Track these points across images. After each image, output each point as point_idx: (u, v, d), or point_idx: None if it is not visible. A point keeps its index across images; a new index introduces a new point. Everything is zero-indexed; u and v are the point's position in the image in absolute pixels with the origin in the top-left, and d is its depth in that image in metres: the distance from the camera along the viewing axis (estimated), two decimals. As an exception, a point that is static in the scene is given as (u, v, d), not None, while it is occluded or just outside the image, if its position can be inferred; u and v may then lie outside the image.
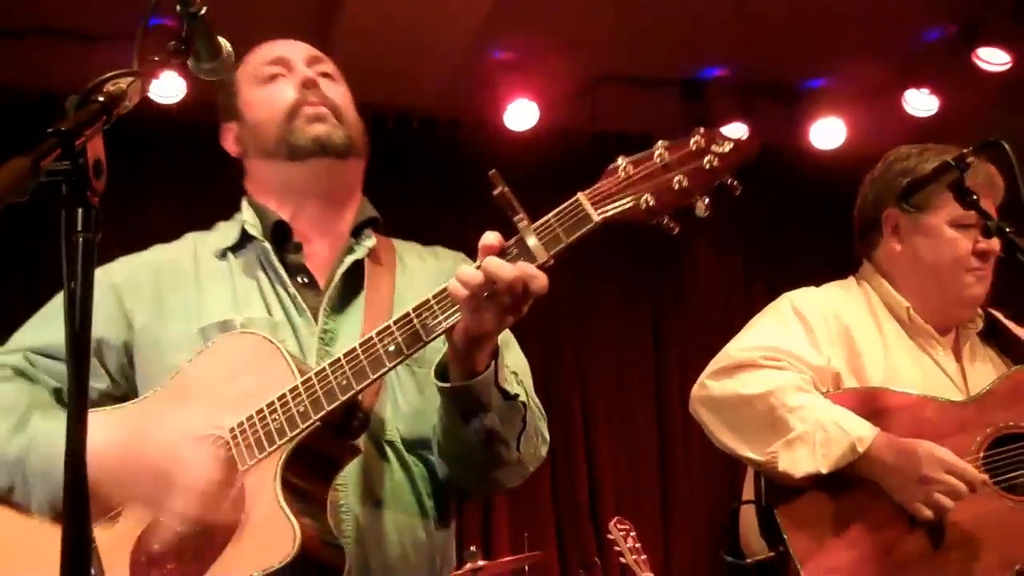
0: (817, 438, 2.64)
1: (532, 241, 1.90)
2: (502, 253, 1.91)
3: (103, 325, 2.28)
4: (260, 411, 2.01)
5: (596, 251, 6.82)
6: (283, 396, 2.00)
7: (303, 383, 1.99)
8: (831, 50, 6.17)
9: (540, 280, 1.90)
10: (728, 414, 2.78)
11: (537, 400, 2.32)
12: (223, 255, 2.37)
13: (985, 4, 5.92)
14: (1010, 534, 2.67)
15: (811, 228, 7.02)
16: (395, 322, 1.97)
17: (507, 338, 2.34)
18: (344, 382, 1.97)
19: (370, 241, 2.38)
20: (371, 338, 1.97)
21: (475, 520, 6.38)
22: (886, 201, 2.94)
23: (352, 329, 2.23)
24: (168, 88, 5.59)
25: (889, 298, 2.96)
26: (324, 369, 1.99)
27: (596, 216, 1.88)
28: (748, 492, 2.86)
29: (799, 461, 2.64)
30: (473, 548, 5.23)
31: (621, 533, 5.23)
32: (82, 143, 1.42)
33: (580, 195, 1.90)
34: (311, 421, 1.97)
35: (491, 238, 1.93)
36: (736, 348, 2.86)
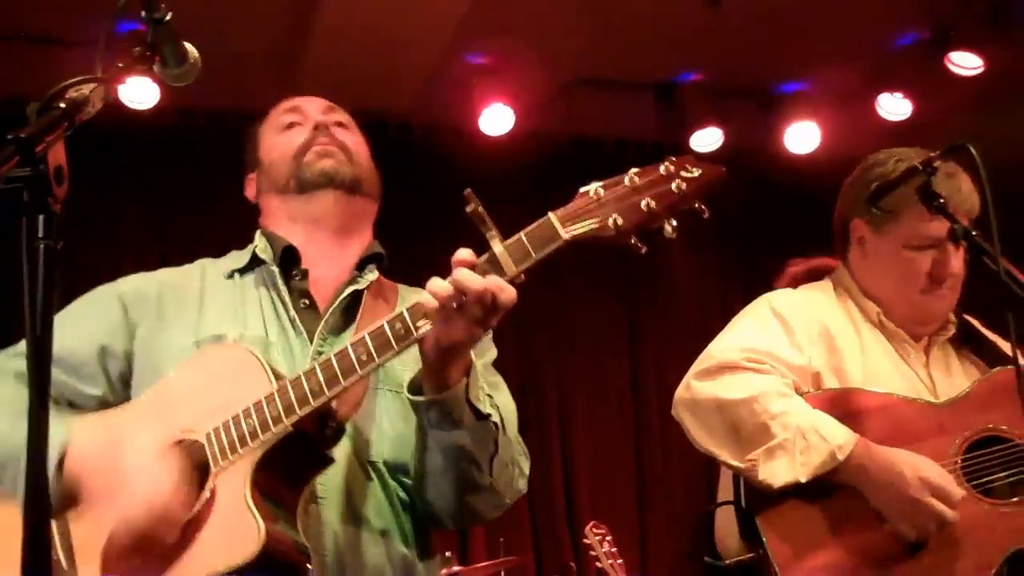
0: (797, 446, 2.64)
1: (503, 256, 1.95)
2: (474, 267, 1.95)
3: (108, 334, 2.37)
4: (236, 416, 2.05)
5: (572, 254, 6.83)
6: (258, 402, 2.04)
7: (278, 389, 2.03)
8: (805, 54, 6.21)
9: (508, 292, 1.95)
10: (709, 419, 2.79)
11: (520, 439, 2.37)
12: (231, 275, 2.47)
13: (958, 9, 5.96)
14: (987, 537, 2.68)
15: (786, 231, 7.03)
16: (369, 333, 2.01)
17: (497, 381, 2.44)
18: (316, 388, 2.00)
19: (372, 275, 2.45)
20: (345, 348, 2.02)
21: (451, 525, 6.37)
22: (855, 210, 2.96)
23: None
24: (141, 94, 5.56)
25: (861, 303, 2.99)
26: (299, 376, 2.03)
27: (565, 235, 1.94)
28: (724, 493, 2.87)
29: (778, 471, 2.65)
30: (449, 553, 5.22)
31: (597, 537, 5.24)
32: (43, 149, 1.42)
33: (551, 214, 1.96)
34: (283, 424, 2.01)
35: (463, 253, 1.97)
36: (718, 349, 2.86)
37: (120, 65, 1.69)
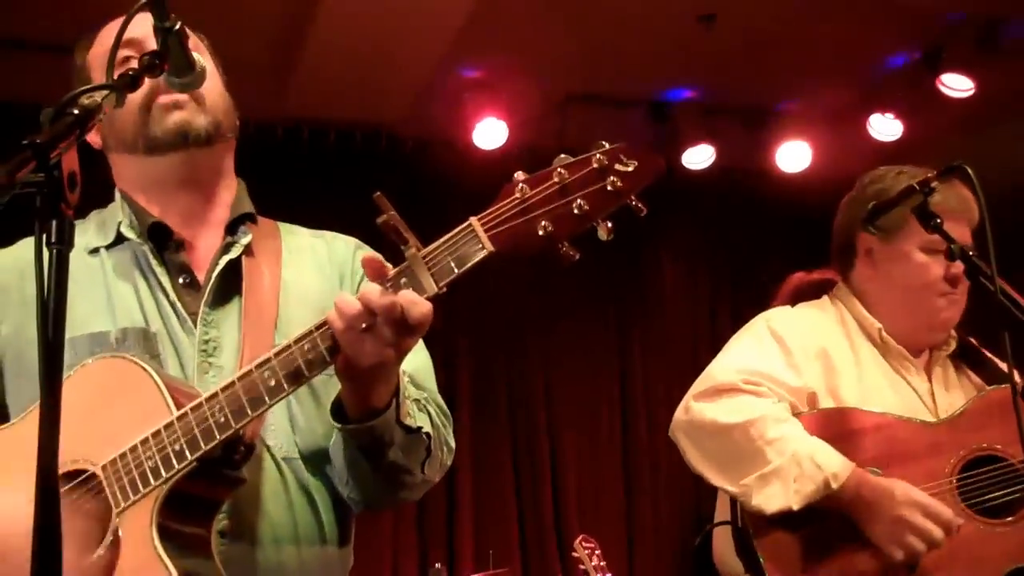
0: (791, 473, 2.63)
1: (421, 272, 1.78)
2: (389, 282, 1.79)
3: None
4: (134, 448, 1.86)
5: (561, 272, 6.83)
6: (158, 432, 1.85)
7: (179, 419, 1.85)
8: (798, 74, 6.24)
9: (421, 307, 1.76)
10: (706, 442, 2.78)
11: (441, 404, 2.19)
12: (95, 252, 2.19)
13: (949, 31, 6.00)
14: (983, 557, 2.68)
15: (776, 249, 7.08)
16: (276, 354, 1.83)
17: None
18: (222, 420, 1.82)
19: (246, 238, 2.20)
20: (250, 371, 1.83)
21: (440, 537, 6.38)
22: (859, 224, 2.90)
23: (233, 337, 2.09)
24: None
25: (862, 319, 2.97)
26: (201, 404, 1.84)
27: (489, 246, 1.76)
28: (722, 509, 2.87)
29: (771, 498, 2.64)
30: (438, 565, 5.23)
31: (586, 551, 5.23)
32: (57, 155, 1.42)
33: (473, 220, 1.77)
34: (187, 461, 1.83)
35: (375, 263, 1.82)
36: (717, 370, 2.85)
37: (130, 73, 1.69)
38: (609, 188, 1.75)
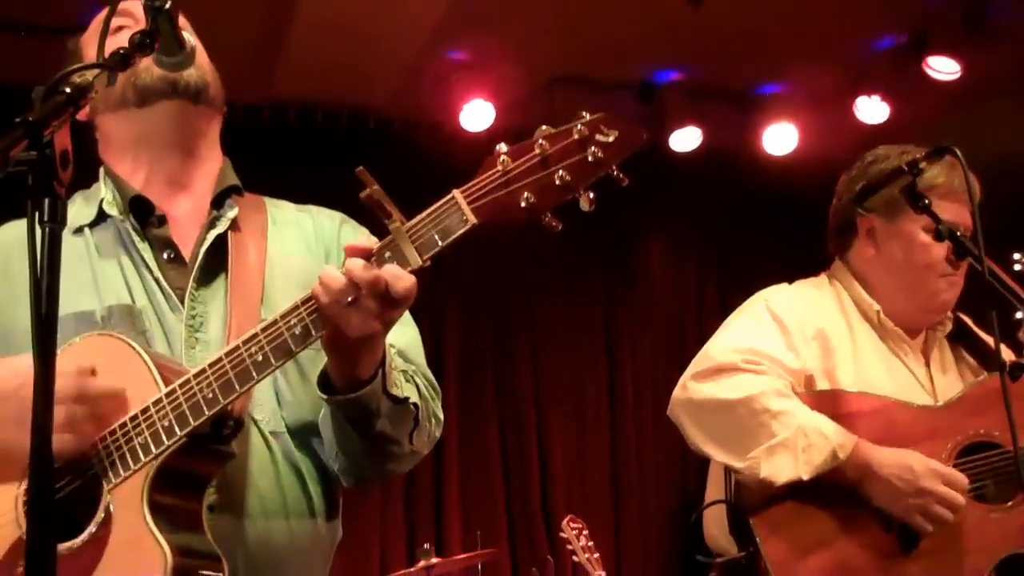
0: (799, 444, 2.64)
1: (405, 245, 1.79)
2: (374, 256, 1.81)
3: None
4: (124, 424, 1.89)
5: (549, 253, 6.85)
6: (147, 409, 1.88)
7: (167, 395, 1.87)
8: (784, 57, 6.23)
9: (405, 281, 1.78)
10: (708, 419, 2.78)
11: (430, 377, 2.22)
12: (79, 231, 2.21)
13: (935, 14, 6.00)
14: (979, 542, 2.70)
15: (763, 231, 7.10)
16: (263, 329, 1.85)
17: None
18: (210, 395, 1.85)
19: (232, 211, 2.22)
20: (238, 347, 1.86)
21: (428, 518, 6.39)
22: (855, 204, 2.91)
23: (219, 312, 2.11)
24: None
25: (860, 299, 2.97)
26: (189, 380, 1.87)
27: (472, 218, 1.77)
28: (714, 489, 2.87)
29: (781, 468, 2.65)
30: (427, 546, 5.22)
31: (574, 532, 5.25)
32: (49, 134, 1.42)
33: (456, 193, 1.79)
34: (177, 437, 1.85)
35: (361, 243, 1.84)
36: (715, 350, 2.85)
37: (121, 52, 1.69)
38: (590, 158, 1.76)
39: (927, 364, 2.96)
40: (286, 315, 1.85)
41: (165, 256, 2.16)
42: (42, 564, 1.36)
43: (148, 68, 2.12)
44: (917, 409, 2.80)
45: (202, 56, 2.23)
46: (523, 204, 1.76)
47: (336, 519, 2.23)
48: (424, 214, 1.80)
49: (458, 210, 1.78)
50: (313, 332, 1.83)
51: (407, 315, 2.24)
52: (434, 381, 2.23)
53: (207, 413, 1.85)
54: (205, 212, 2.22)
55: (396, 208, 1.80)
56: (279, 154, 6.09)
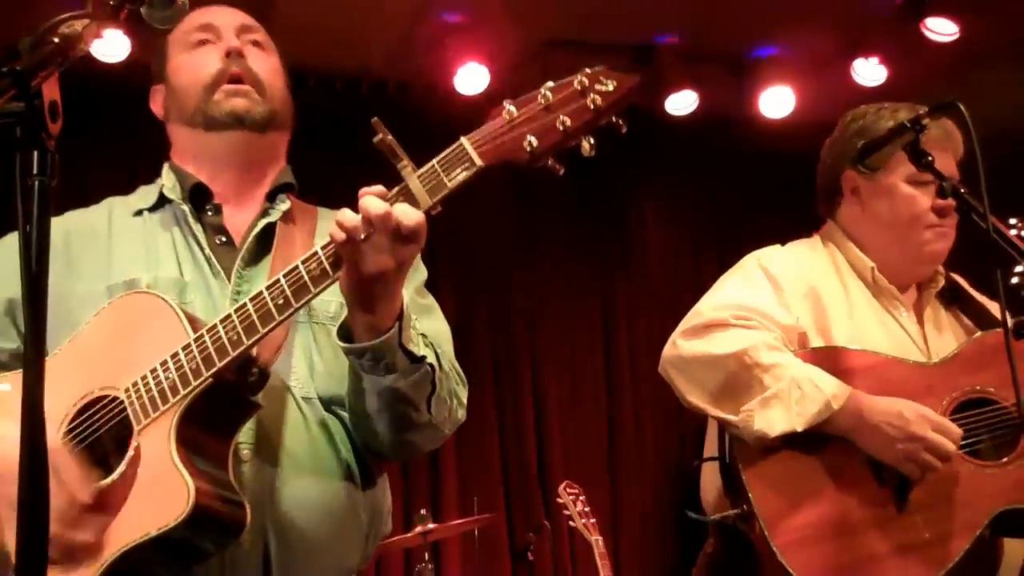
0: (792, 396, 2.64)
1: (416, 187, 1.88)
2: (388, 198, 1.89)
3: (16, 286, 2.14)
4: (154, 370, 1.98)
5: (545, 220, 6.83)
6: (175, 354, 1.97)
7: (195, 339, 1.97)
8: (780, 19, 6.19)
9: (413, 217, 1.86)
10: (699, 374, 2.77)
11: (457, 366, 2.32)
12: (139, 214, 2.37)
13: (933, -25, 5.97)
14: (973, 498, 2.69)
15: (760, 195, 7.07)
16: (285, 275, 1.94)
17: (430, 304, 2.43)
18: (235, 337, 1.94)
19: (284, 205, 2.37)
20: (261, 292, 1.95)
21: (424, 483, 6.39)
22: (844, 163, 2.94)
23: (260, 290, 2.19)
24: (111, 47, 5.50)
25: (853, 258, 2.97)
26: (215, 325, 1.96)
27: (479, 160, 1.86)
28: (710, 449, 2.86)
29: (774, 420, 2.64)
30: (423, 511, 5.23)
31: (570, 497, 5.26)
32: (37, 84, 1.39)
33: (463, 139, 1.88)
34: (203, 377, 1.94)
35: (374, 188, 1.91)
36: (706, 307, 2.85)
37: (111, 2, 1.65)
38: (590, 105, 1.87)
39: (920, 322, 2.95)
40: (307, 260, 1.93)
41: (217, 240, 2.30)
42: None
43: (219, 102, 2.33)
44: (912, 365, 2.80)
45: (274, 85, 2.42)
46: (526, 147, 1.86)
47: (373, 488, 2.28)
48: (434, 160, 1.89)
49: (465, 154, 1.87)
50: (331, 272, 1.92)
51: (438, 312, 2.44)
52: (461, 371, 2.34)
53: (232, 354, 1.94)
54: (257, 209, 2.37)
55: (407, 155, 1.89)
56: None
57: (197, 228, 2.30)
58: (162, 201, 2.37)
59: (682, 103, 6.55)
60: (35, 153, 1.38)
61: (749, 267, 2.95)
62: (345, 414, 2.22)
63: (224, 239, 2.30)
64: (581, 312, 7.10)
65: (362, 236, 1.86)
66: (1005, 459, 2.75)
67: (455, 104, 6.19)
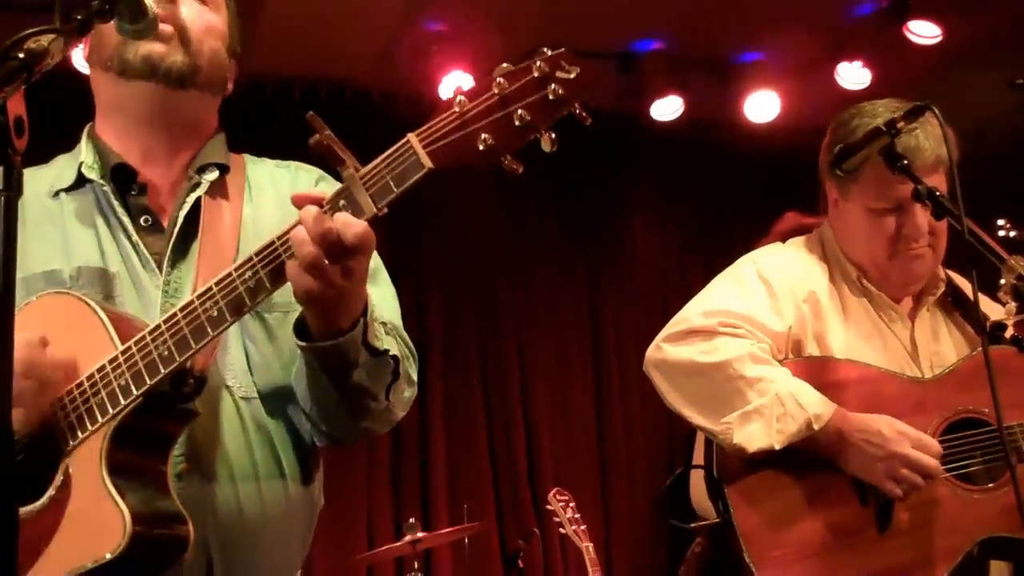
0: (774, 412, 2.59)
1: (360, 193, 1.72)
2: (328, 205, 1.75)
3: None
4: (80, 384, 1.86)
5: (531, 226, 6.82)
6: (103, 368, 1.85)
7: (123, 353, 1.84)
8: (764, 24, 6.19)
9: (354, 228, 1.71)
10: (683, 381, 2.74)
11: (405, 336, 2.16)
12: (56, 195, 2.17)
13: (916, -23, 5.98)
14: (958, 524, 2.65)
15: (746, 199, 7.07)
16: (217, 283, 1.81)
17: (375, 267, 2.14)
18: (166, 353, 1.81)
19: (211, 175, 2.18)
20: (192, 302, 1.82)
21: (414, 491, 6.37)
22: (826, 171, 2.88)
23: (192, 277, 2.07)
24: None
25: (842, 264, 2.91)
26: (144, 338, 1.84)
27: (428, 162, 1.69)
28: (699, 454, 2.82)
29: (753, 436, 2.60)
30: (412, 520, 5.22)
31: (560, 504, 5.25)
32: (1, 100, 1.38)
33: (411, 136, 1.71)
34: (133, 396, 1.82)
35: (310, 193, 1.78)
36: (694, 312, 2.80)
37: (79, 18, 1.65)
38: (551, 96, 1.67)
39: (914, 331, 2.89)
40: (240, 268, 1.80)
41: (142, 222, 2.12)
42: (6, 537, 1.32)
43: (135, 44, 2.08)
44: (906, 381, 2.75)
45: (208, 38, 2.19)
46: (480, 146, 1.68)
47: (312, 484, 2.19)
48: (378, 160, 1.73)
49: (413, 154, 1.70)
50: (269, 286, 1.79)
51: (383, 274, 2.23)
52: (410, 342, 2.19)
53: (163, 371, 1.82)
54: (183, 178, 2.18)
55: (350, 154, 1.74)
56: (256, 131, 6.01)
57: (121, 211, 2.11)
58: (81, 180, 2.17)
59: (667, 108, 6.55)
60: (0, 168, 1.37)
61: (744, 271, 2.89)
62: (289, 409, 2.11)
63: (149, 220, 2.12)
64: (569, 318, 7.09)
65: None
66: (992, 484, 2.69)
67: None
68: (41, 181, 2.19)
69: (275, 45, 5.93)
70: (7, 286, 1.37)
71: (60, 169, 2.23)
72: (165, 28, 2.10)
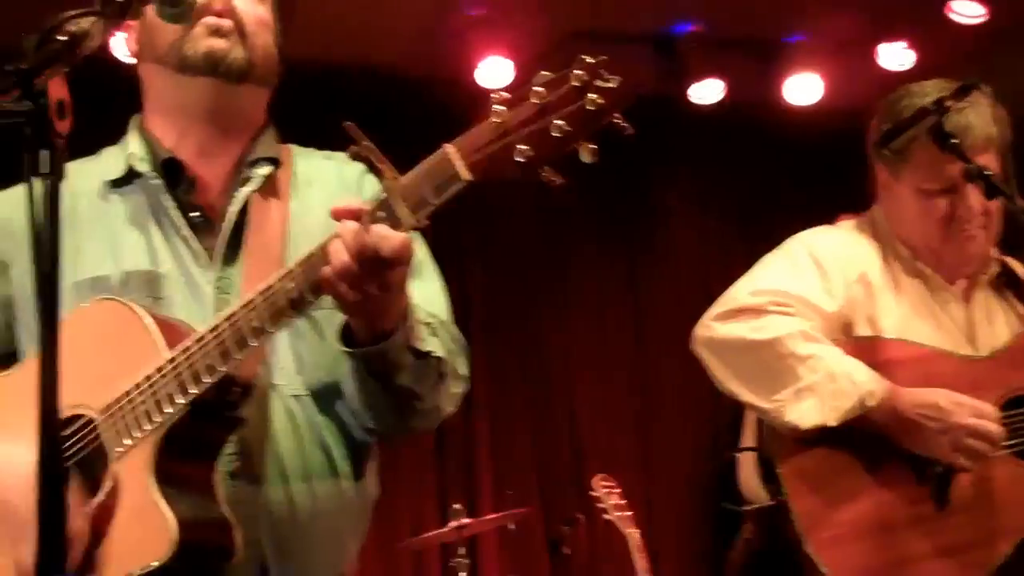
0: (827, 390, 2.56)
1: (398, 204, 1.71)
2: (366, 217, 1.73)
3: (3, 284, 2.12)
4: (128, 392, 1.86)
5: (572, 211, 6.80)
6: (150, 376, 1.85)
7: (169, 361, 1.84)
8: (806, 5, 6.13)
9: (391, 242, 1.71)
10: (733, 358, 2.71)
11: (453, 330, 2.15)
12: (105, 192, 2.17)
13: (960, -44, 5.90)
14: (1016, 500, 2.61)
15: (787, 183, 7.02)
16: (260, 292, 1.81)
17: (420, 259, 2.14)
18: (209, 362, 1.82)
19: (263, 169, 2.17)
20: (235, 312, 1.82)
21: (458, 479, 6.40)
22: (875, 153, 2.84)
23: (241, 274, 2.08)
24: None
25: (895, 245, 2.87)
26: (189, 347, 1.84)
27: (466, 174, 1.67)
28: (748, 438, 2.81)
29: (806, 413, 2.57)
30: (458, 506, 5.23)
31: (604, 490, 5.25)
32: (43, 82, 1.38)
33: (448, 148, 1.69)
34: (180, 405, 1.83)
35: (347, 202, 1.79)
36: (744, 291, 2.78)
37: (120, 1, 1.64)
38: (589, 107, 1.63)
39: (970, 311, 2.85)
40: (282, 278, 1.81)
41: (192, 219, 2.13)
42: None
43: (197, 39, 2.09)
44: (959, 359, 2.72)
45: (259, 34, 2.19)
46: (519, 158, 1.65)
47: (364, 479, 2.18)
48: (415, 170, 1.72)
49: (451, 166, 1.68)
50: (311, 299, 1.80)
51: (429, 268, 2.22)
52: (459, 335, 2.18)
53: (207, 381, 1.82)
54: (233, 173, 2.19)
55: (388, 164, 1.72)
56: (292, 118, 6.04)
57: (172, 208, 2.12)
58: (130, 174, 2.16)
59: (707, 92, 6.50)
60: (43, 152, 1.37)
61: (794, 250, 2.86)
62: (338, 406, 2.11)
63: (199, 216, 2.13)
64: (611, 304, 7.07)
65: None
66: None
67: (477, 98, 6.15)
68: (91, 177, 2.19)
69: (313, 28, 5.93)
70: (53, 269, 1.36)
71: (107, 161, 2.22)
72: (224, 23, 2.11)
